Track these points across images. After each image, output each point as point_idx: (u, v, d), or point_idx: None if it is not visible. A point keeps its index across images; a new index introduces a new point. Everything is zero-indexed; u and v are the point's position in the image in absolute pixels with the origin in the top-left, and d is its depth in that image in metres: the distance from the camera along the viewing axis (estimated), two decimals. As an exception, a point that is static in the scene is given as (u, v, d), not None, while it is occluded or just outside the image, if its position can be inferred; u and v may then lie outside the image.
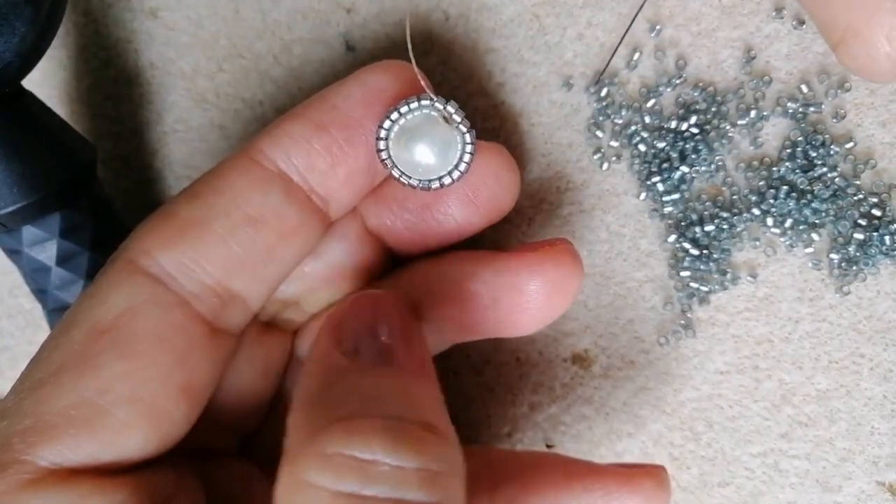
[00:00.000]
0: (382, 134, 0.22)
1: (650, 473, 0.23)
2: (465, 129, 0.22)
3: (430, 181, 0.22)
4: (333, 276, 0.24)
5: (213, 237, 0.21)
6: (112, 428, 0.19)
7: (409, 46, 0.21)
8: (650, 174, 0.26)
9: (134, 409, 0.19)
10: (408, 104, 0.21)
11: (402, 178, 0.22)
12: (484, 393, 0.29)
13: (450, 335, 0.24)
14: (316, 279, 0.24)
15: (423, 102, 0.21)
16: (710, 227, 0.26)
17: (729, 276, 0.27)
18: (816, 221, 0.26)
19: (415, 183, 0.22)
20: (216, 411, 0.22)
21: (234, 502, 0.21)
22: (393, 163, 0.22)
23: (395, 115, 0.21)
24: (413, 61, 0.22)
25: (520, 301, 0.23)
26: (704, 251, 0.26)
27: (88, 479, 0.18)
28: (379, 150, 0.22)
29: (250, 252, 0.21)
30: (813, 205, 0.26)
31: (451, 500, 0.16)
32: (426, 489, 0.15)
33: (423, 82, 0.22)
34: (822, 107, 0.25)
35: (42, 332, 0.31)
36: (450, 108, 0.22)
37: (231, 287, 0.21)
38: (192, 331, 0.20)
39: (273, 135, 0.22)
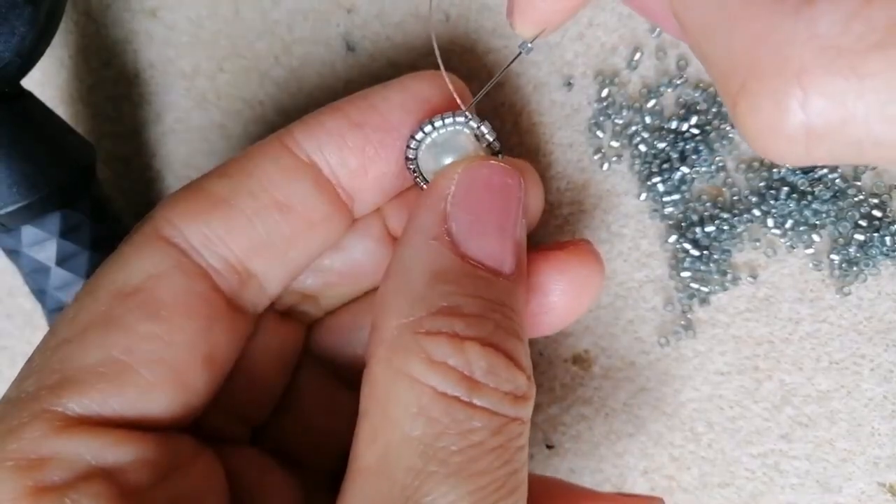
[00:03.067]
0: (413, 144, 0.22)
1: (652, 502, 0.23)
2: (494, 150, 0.22)
3: None
4: (352, 272, 0.24)
5: (239, 216, 0.21)
6: (137, 386, 0.19)
7: (440, 62, 0.21)
8: (651, 174, 0.26)
9: (159, 370, 0.19)
10: (443, 119, 0.21)
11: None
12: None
13: None
14: (335, 274, 0.24)
15: (458, 119, 0.21)
16: (710, 228, 0.26)
17: (729, 276, 0.27)
18: (817, 222, 0.26)
19: None
20: (230, 395, 0.22)
21: (251, 489, 0.21)
22: (420, 173, 0.22)
23: (428, 128, 0.21)
24: (445, 75, 0.22)
25: (545, 301, 0.23)
26: (705, 252, 0.26)
27: (114, 431, 0.19)
28: (407, 159, 0.22)
29: (273, 236, 0.21)
30: (813, 206, 0.26)
31: (527, 417, 0.19)
32: (515, 407, 0.19)
33: (458, 99, 0.22)
34: (823, 107, 0.25)
35: (42, 332, 0.31)
36: (483, 129, 0.22)
37: (250, 267, 0.21)
38: (214, 302, 0.21)
39: (309, 125, 0.22)
